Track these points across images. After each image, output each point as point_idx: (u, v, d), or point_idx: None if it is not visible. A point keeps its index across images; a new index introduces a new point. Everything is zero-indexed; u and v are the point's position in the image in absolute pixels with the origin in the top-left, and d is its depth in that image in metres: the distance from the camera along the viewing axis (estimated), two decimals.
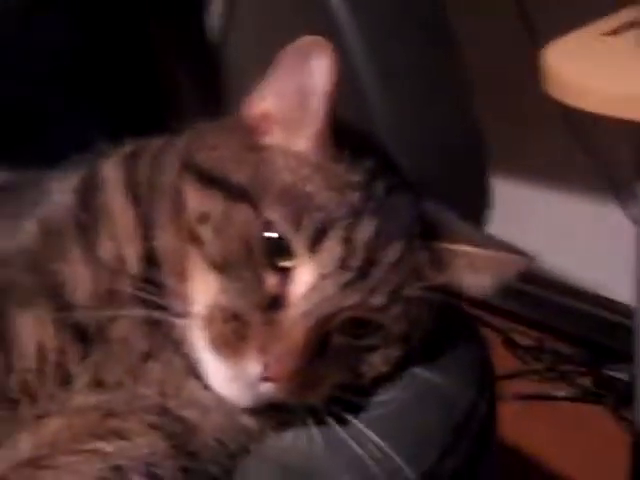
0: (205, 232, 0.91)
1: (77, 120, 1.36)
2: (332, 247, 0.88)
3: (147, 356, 0.95)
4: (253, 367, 0.86)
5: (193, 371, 0.92)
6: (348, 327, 0.94)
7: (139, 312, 0.94)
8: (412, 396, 0.96)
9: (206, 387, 0.91)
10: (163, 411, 0.91)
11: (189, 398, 0.92)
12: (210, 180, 0.97)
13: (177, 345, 0.96)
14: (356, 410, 0.93)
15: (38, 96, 1.33)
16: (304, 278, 0.88)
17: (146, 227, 0.99)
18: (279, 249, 0.88)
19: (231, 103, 1.05)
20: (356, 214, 0.92)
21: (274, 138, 0.94)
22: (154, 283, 0.94)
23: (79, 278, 0.91)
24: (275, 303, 0.88)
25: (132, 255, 0.97)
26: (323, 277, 0.88)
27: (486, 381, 1.05)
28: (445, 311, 1.02)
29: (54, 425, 0.87)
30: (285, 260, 0.89)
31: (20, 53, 1.35)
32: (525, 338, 2.71)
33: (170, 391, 0.92)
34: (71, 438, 0.86)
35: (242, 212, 0.90)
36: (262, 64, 0.96)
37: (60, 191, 1.03)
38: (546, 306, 2.73)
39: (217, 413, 0.93)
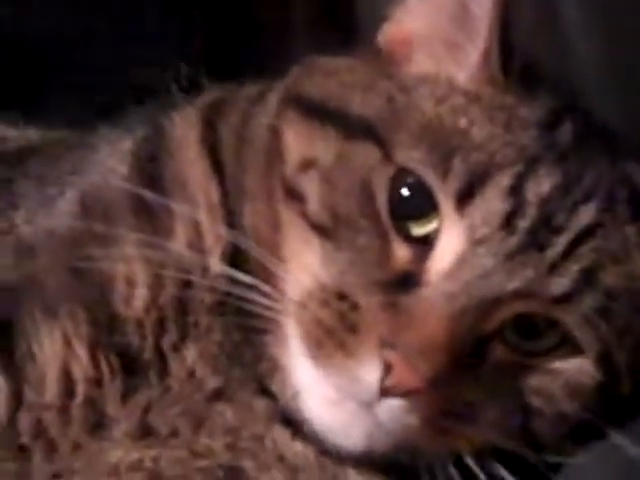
0: (309, 183, 0.71)
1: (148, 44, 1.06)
2: (491, 199, 0.66)
3: (218, 395, 0.72)
4: (369, 370, 0.64)
5: (279, 415, 0.72)
6: (515, 334, 0.68)
7: (230, 319, 0.71)
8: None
9: (296, 436, 0.71)
10: (232, 475, 0.70)
11: (272, 453, 0.71)
12: (322, 114, 0.72)
13: (262, 378, 0.72)
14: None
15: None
16: (450, 245, 0.67)
17: (232, 205, 0.75)
18: (416, 209, 0.68)
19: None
20: (531, 160, 0.68)
21: (418, 66, 0.73)
22: (242, 284, 0.70)
23: (134, 279, 0.71)
24: (404, 283, 0.66)
25: (216, 246, 0.73)
26: (477, 243, 0.66)
27: None
28: None
29: None
30: (424, 224, 0.68)
31: None
32: None
33: (245, 444, 0.71)
34: None
35: (364, 153, 0.70)
36: None
37: (111, 154, 0.77)
38: None
39: (311, 475, 0.70)
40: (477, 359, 0.67)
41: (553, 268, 0.66)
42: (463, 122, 0.69)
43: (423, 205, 0.67)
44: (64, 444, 0.69)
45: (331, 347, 0.65)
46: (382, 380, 0.63)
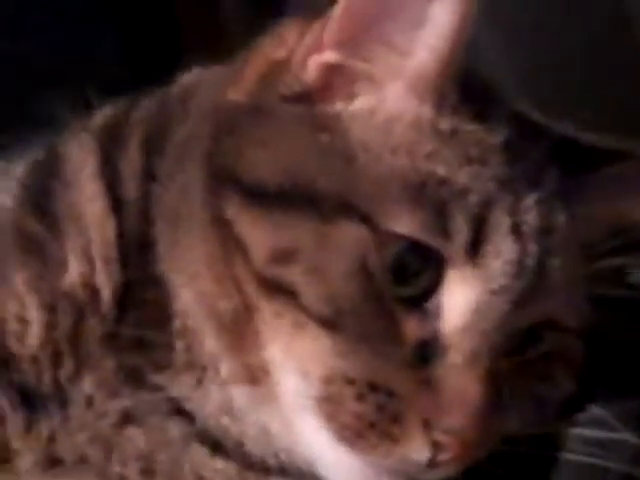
0: (293, 276, 0.65)
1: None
2: (501, 244, 0.64)
3: (125, 419, 0.69)
4: (419, 453, 0.64)
5: (196, 435, 0.69)
6: (516, 345, 0.69)
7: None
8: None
9: (215, 453, 0.69)
10: None
11: (190, 474, 0.69)
12: (278, 200, 0.66)
13: (175, 399, 0.69)
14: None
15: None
16: (459, 300, 0.65)
17: (138, 247, 0.71)
18: (413, 272, 0.65)
19: None
20: (509, 187, 0.65)
21: (359, 100, 0.68)
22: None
23: (26, 317, 0.69)
24: (426, 351, 0.65)
25: (107, 285, 0.70)
26: (494, 292, 0.64)
27: None
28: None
29: None
30: (420, 284, 0.65)
31: None
32: None
33: (160, 467, 0.68)
34: None
35: (350, 235, 0.64)
36: None
37: None
38: None
39: None
40: (496, 385, 0.66)
41: (551, 289, 0.66)
42: (442, 169, 0.64)
43: (420, 266, 0.64)
44: None
45: (374, 438, 0.63)
46: (432, 457, 0.63)
